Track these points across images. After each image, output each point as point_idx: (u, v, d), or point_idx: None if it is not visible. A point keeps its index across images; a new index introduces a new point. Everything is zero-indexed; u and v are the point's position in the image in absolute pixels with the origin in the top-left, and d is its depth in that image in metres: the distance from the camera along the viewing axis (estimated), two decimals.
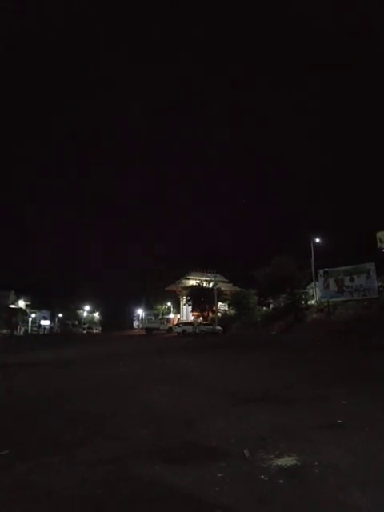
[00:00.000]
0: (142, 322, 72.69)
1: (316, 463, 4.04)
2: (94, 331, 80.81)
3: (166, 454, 4.52)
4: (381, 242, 29.30)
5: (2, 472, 4.07)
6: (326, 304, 32.01)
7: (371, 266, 28.98)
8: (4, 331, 65.01)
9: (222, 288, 55.54)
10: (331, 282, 30.98)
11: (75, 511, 3.25)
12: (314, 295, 38.82)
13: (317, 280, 35.52)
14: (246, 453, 4.38)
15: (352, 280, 29.60)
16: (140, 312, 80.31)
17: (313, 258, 39.42)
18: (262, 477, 3.76)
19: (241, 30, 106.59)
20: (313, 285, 39.48)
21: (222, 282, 60.46)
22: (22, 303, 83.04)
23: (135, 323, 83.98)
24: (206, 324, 45.11)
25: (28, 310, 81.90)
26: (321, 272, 32.67)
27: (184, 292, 60.33)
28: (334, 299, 31.02)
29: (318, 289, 35.94)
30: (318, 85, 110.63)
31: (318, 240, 41.03)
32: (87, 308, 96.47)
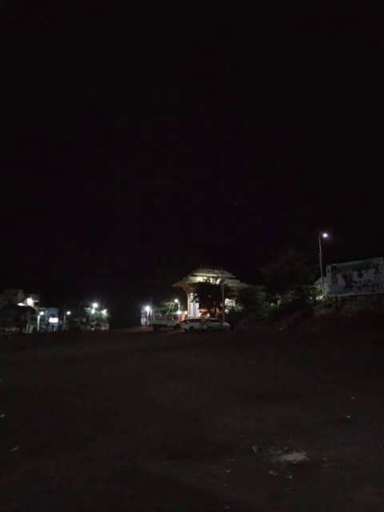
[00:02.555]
0: (149, 319, 72.96)
1: (325, 459, 4.03)
2: (102, 328, 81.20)
3: (174, 449, 4.53)
4: None
5: (12, 468, 4.11)
6: (334, 299, 31.81)
7: (379, 260, 28.65)
8: (13, 329, 65.61)
9: (229, 284, 55.43)
10: (339, 277, 30.70)
11: (84, 507, 3.26)
12: (322, 291, 38.62)
13: (324, 275, 35.29)
14: (255, 448, 4.37)
15: (360, 275, 29.31)
16: (147, 309, 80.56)
17: (320, 254, 39.18)
18: (271, 472, 3.75)
19: (241, 31, 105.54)
20: (321, 280, 39.26)
21: (229, 278, 60.37)
22: (30, 301, 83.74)
23: (143, 320, 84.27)
24: (213, 320, 45.06)
25: (36, 308, 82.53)
26: (328, 267, 32.40)
27: (191, 289, 60.30)
28: (342, 294, 30.77)
29: (325, 284, 35.69)
30: (319, 84, 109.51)
31: (325, 235, 40.76)
32: (95, 305, 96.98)
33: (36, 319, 79.99)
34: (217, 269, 59.14)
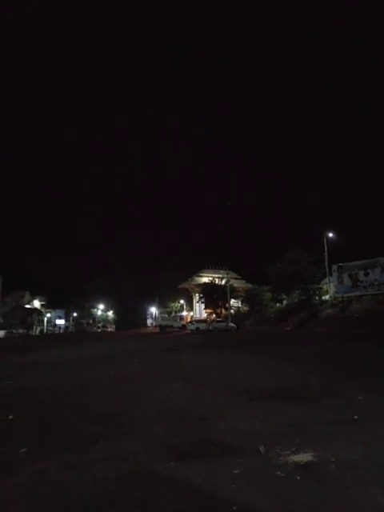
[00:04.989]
0: (155, 320, 73.08)
1: (332, 459, 4.01)
2: (109, 329, 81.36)
3: (180, 450, 4.53)
4: None
5: (20, 469, 4.13)
6: (340, 299, 31.66)
7: None
8: (20, 331, 66.00)
9: (235, 285, 55.31)
10: (345, 276, 30.57)
11: (90, 508, 3.27)
12: (328, 290, 38.45)
13: (330, 275, 35.16)
14: (262, 449, 4.36)
15: (366, 274, 29.18)
16: (153, 310, 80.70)
17: (326, 253, 39.02)
18: (279, 473, 3.74)
19: (241, 31, 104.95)
20: (327, 280, 39.10)
21: (235, 278, 60.21)
22: (37, 303, 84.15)
23: (149, 321, 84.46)
24: (219, 321, 45.02)
25: (43, 310, 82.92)
26: (334, 267, 32.29)
27: (197, 289, 60.30)
28: (349, 294, 30.64)
29: (331, 284, 35.57)
30: (321, 83, 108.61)
31: (331, 234, 40.59)
32: (101, 307, 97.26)
33: (43, 321, 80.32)
34: (222, 269, 59.03)
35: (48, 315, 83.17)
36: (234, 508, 3.09)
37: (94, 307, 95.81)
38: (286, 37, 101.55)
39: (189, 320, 55.48)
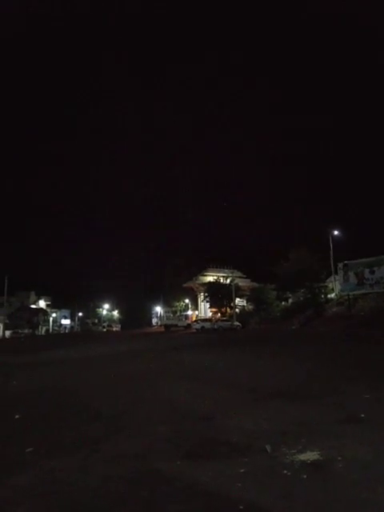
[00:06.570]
0: (160, 319, 73.21)
1: (339, 458, 3.97)
2: (114, 329, 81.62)
3: (186, 449, 4.51)
4: None
5: (26, 468, 4.14)
6: (345, 297, 31.53)
7: None
8: (26, 331, 66.28)
9: (240, 284, 55.27)
10: (351, 274, 30.42)
11: (97, 507, 3.27)
12: (334, 289, 38.31)
13: (336, 273, 35.01)
14: (268, 448, 4.33)
15: (372, 272, 29.01)
16: (158, 309, 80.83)
17: (332, 251, 38.87)
18: (285, 472, 3.71)
19: (239, 30, 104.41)
20: (332, 278, 38.95)
21: (240, 277, 60.16)
22: (42, 303, 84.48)
23: (154, 320, 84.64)
24: (224, 320, 45.02)
25: (48, 310, 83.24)
26: (340, 265, 32.13)
27: (201, 288, 60.34)
28: (354, 292, 30.49)
29: (337, 282, 35.42)
30: (321, 80, 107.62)
31: (336, 232, 40.42)
32: (106, 306, 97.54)
33: (48, 321, 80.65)
34: (227, 268, 59.02)
35: (53, 315, 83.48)
36: (241, 507, 3.07)
37: (99, 307, 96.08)
38: (285, 36, 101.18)
39: (194, 319, 55.49)
